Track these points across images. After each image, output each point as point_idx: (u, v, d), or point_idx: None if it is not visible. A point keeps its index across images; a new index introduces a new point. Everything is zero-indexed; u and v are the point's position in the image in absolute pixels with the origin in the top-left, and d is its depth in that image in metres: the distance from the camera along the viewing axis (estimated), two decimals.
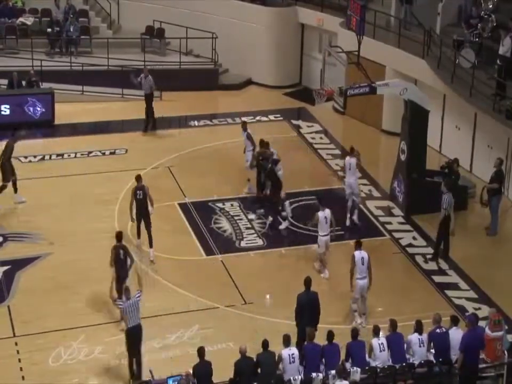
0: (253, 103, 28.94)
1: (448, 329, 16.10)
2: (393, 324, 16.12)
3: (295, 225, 22.06)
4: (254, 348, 15.81)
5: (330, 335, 15.82)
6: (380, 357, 15.75)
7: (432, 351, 16.09)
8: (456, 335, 16.00)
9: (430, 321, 16.44)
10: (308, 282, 17.14)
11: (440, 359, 15.89)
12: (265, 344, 15.52)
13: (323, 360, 15.72)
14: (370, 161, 25.28)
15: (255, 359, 15.38)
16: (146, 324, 17.90)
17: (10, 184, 22.61)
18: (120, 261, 18.12)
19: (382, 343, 15.85)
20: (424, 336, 16.02)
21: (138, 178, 20.41)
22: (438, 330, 16.09)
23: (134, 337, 16.40)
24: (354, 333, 15.95)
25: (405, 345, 16.03)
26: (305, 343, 16.04)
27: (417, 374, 15.72)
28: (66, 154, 25.53)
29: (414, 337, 15.99)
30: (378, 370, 15.57)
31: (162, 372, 16.12)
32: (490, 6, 25.35)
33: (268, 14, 30.96)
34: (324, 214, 19.78)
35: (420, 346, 15.95)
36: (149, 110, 26.90)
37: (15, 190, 22.69)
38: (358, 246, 18.64)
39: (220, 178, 24.11)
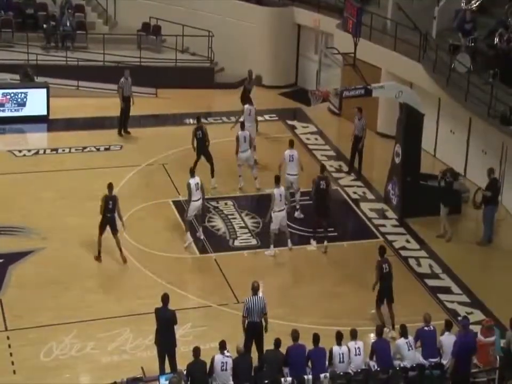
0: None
1: (441, 330, 16.23)
2: (379, 330, 16.21)
3: (289, 226, 22.08)
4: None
5: (316, 338, 15.85)
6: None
7: (419, 349, 16.19)
8: (448, 340, 16.07)
9: (422, 324, 16.54)
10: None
11: (432, 361, 15.97)
12: (277, 343, 15.66)
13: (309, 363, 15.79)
14: (365, 163, 25.35)
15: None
16: (139, 322, 17.99)
17: None
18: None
19: (408, 342, 15.96)
20: (411, 339, 16.09)
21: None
22: (426, 328, 16.23)
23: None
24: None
25: (392, 351, 16.10)
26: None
27: (408, 378, 15.78)
28: (61, 149, 25.51)
29: (401, 342, 16.06)
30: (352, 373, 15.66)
31: (154, 369, 16.20)
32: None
33: (264, 14, 30.97)
34: (279, 191, 20.54)
35: (409, 350, 16.02)
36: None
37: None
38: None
39: (214, 177, 24.07)
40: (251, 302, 16.52)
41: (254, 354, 16.43)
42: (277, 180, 20.88)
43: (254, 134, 24.49)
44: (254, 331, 16.61)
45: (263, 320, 16.58)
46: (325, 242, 21.16)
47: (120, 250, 20.16)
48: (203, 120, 27.88)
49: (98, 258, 20.20)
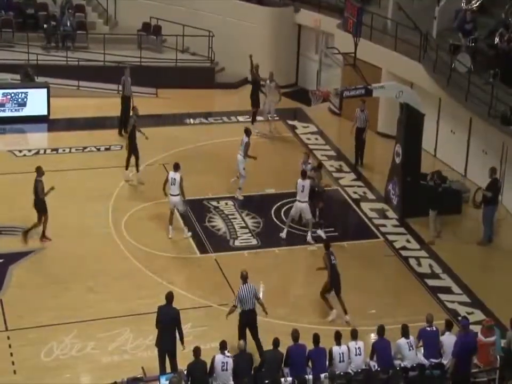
0: (249, 102, 28.82)
1: (442, 330, 16.26)
2: (380, 330, 16.23)
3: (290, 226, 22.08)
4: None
5: (316, 338, 15.87)
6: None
7: (421, 349, 16.22)
8: (449, 340, 16.07)
9: (422, 325, 16.51)
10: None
11: (433, 362, 15.98)
12: (276, 342, 15.69)
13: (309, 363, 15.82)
14: (365, 163, 25.43)
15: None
16: (139, 322, 18.00)
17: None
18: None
19: (409, 342, 15.98)
20: (412, 339, 16.11)
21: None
22: (428, 329, 16.26)
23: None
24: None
25: (393, 351, 16.11)
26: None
27: (409, 378, 15.79)
28: (61, 149, 25.51)
29: (402, 342, 16.07)
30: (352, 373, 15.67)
31: (155, 369, 16.21)
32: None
33: (265, 14, 30.99)
34: (302, 182, 20.95)
35: (410, 349, 16.04)
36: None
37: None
38: None
39: (214, 176, 24.11)
40: (243, 291, 16.85)
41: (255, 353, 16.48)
42: (303, 174, 21.18)
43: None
44: (247, 319, 16.87)
45: (257, 305, 16.92)
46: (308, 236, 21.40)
47: (44, 230, 20.58)
48: (203, 120, 28.03)
49: (43, 238, 20.71)
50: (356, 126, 25.10)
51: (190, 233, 21.42)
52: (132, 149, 23.46)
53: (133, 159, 23.53)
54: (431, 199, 21.60)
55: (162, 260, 20.45)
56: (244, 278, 16.98)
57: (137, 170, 23.67)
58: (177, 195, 20.99)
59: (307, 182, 21.12)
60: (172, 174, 20.99)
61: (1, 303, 18.53)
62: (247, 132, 23.20)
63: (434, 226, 21.69)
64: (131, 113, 23.99)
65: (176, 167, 21.02)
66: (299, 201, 21.16)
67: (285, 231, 21.55)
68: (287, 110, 29.18)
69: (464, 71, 23.55)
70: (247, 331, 16.97)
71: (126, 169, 23.68)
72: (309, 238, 21.42)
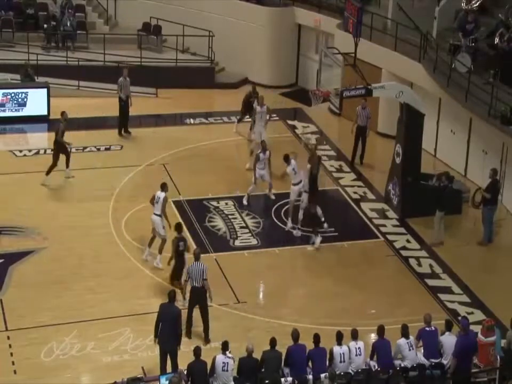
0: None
1: (442, 330, 16.27)
2: (380, 330, 16.23)
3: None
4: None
5: (316, 338, 15.87)
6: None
7: (421, 349, 16.23)
8: (449, 340, 16.08)
9: (422, 325, 16.50)
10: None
11: (432, 361, 15.99)
12: (273, 342, 15.68)
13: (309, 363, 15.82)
14: (366, 163, 25.42)
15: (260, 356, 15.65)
16: (139, 321, 18.00)
17: None
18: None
19: (409, 342, 15.98)
20: (412, 339, 16.12)
21: None
22: (427, 329, 16.26)
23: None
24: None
25: (393, 351, 16.12)
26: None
27: (409, 378, 15.80)
28: None
29: (402, 342, 16.07)
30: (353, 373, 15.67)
31: (155, 369, 16.24)
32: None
33: (265, 14, 30.98)
34: (291, 166, 21.60)
35: (410, 349, 16.04)
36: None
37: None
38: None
39: (214, 176, 24.11)
40: (192, 267, 17.51)
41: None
42: (286, 159, 21.65)
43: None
44: (195, 295, 17.49)
45: (204, 285, 17.43)
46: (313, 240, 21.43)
47: None
48: (203, 120, 28.03)
49: None
50: (357, 124, 25.15)
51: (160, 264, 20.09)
52: (60, 153, 23.38)
53: (62, 158, 23.46)
54: (438, 200, 21.56)
55: (162, 260, 20.40)
56: (196, 256, 17.67)
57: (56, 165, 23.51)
58: (159, 215, 19.98)
59: (293, 162, 21.61)
60: (157, 193, 19.99)
61: (1, 303, 18.53)
62: (262, 147, 23.16)
63: (438, 227, 21.64)
64: (62, 117, 23.74)
65: (163, 187, 20.06)
66: (292, 184, 21.71)
67: (289, 220, 21.86)
68: (287, 110, 29.19)
69: (464, 71, 23.55)
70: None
71: (47, 174, 23.35)
72: (302, 204, 21.75)
